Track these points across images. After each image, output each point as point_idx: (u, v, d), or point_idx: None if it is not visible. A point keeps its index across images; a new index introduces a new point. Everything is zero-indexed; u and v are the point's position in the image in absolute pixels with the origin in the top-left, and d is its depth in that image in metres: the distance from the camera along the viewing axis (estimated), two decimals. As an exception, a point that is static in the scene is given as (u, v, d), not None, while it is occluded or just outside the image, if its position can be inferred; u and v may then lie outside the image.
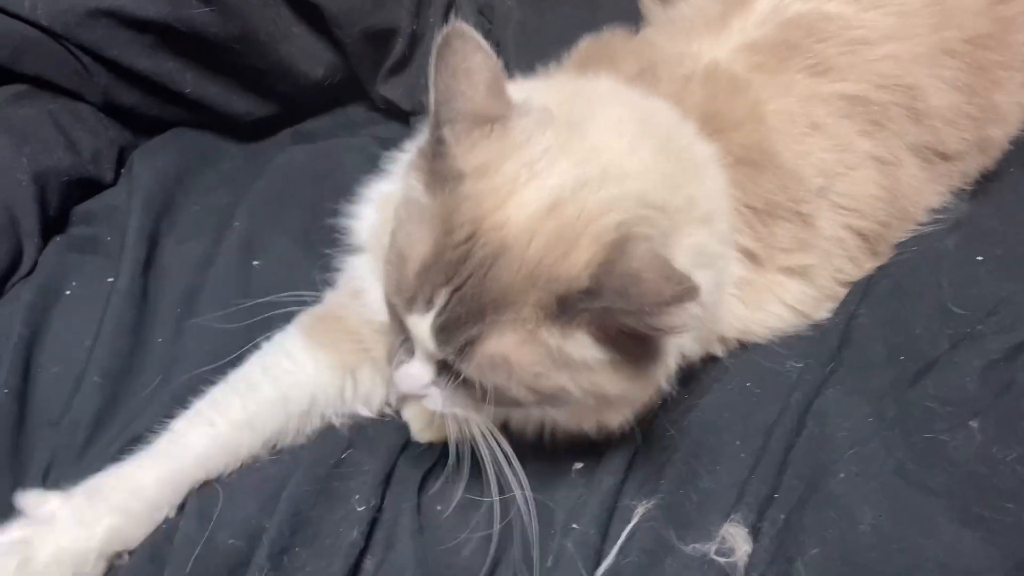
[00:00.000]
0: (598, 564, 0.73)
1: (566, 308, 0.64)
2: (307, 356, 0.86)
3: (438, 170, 0.68)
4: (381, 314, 0.79)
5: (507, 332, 0.64)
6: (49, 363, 0.91)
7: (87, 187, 1.16)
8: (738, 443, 0.81)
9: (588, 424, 0.78)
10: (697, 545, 0.74)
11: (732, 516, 0.73)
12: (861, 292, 0.92)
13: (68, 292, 0.99)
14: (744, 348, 0.90)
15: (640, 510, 0.77)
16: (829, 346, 0.86)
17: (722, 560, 0.71)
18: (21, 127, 1.10)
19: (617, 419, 0.77)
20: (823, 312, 0.91)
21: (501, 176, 0.66)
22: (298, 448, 0.84)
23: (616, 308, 0.63)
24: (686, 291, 0.61)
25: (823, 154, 0.89)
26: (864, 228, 0.92)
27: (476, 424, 0.73)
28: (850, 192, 0.90)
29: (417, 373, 0.70)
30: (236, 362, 0.87)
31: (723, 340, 0.88)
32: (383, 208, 0.84)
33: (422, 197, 0.69)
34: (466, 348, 0.65)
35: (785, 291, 0.88)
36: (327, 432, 0.86)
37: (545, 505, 0.79)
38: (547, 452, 0.83)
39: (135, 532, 0.76)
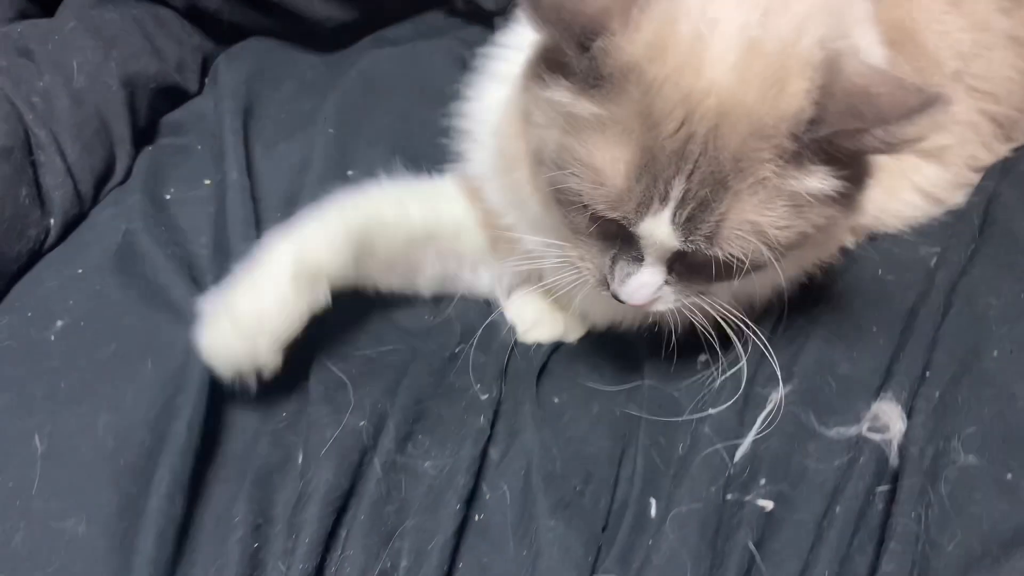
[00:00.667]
0: (735, 448, 0.71)
1: (799, 145, 0.59)
2: (459, 198, 0.83)
3: (595, 71, 0.61)
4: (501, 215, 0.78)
5: (751, 196, 0.60)
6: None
7: (174, 96, 1.13)
8: (875, 329, 0.78)
9: (791, 272, 0.73)
10: (841, 428, 0.71)
11: (883, 394, 0.70)
12: (998, 174, 0.87)
13: (168, 197, 0.96)
14: (872, 239, 0.87)
15: (775, 396, 0.74)
16: (970, 227, 0.82)
17: (876, 437, 0.68)
18: (107, 31, 1.07)
19: (817, 259, 0.75)
20: (958, 197, 0.87)
21: (680, 43, 0.60)
22: (413, 339, 0.82)
23: (849, 129, 0.58)
24: (931, 98, 0.55)
25: (960, 34, 0.84)
26: (998, 113, 0.88)
27: (709, 306, 0.69)
28: (985, 75, 0.85)
29: (651, 280, 0.65)
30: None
31: (854, 229, 0.83)
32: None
33: (580, 106, 0.62)
34: (715, 228, 0.61)
35: (920, 175, 0.84)
36: (442, 325, 0.84)
37: (671, 396, 0.77)
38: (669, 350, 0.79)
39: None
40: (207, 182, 0.98)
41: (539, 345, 0.84)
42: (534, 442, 0.73)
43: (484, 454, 0.73)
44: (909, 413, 0.69)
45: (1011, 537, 0.63)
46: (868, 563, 0.64)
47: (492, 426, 0.75)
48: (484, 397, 0.75)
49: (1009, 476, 0.66)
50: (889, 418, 0.69)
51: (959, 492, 0.65)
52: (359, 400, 0.73)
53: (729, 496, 0.68)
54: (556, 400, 0.79)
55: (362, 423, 0.71)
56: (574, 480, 0.72)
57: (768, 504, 0.67)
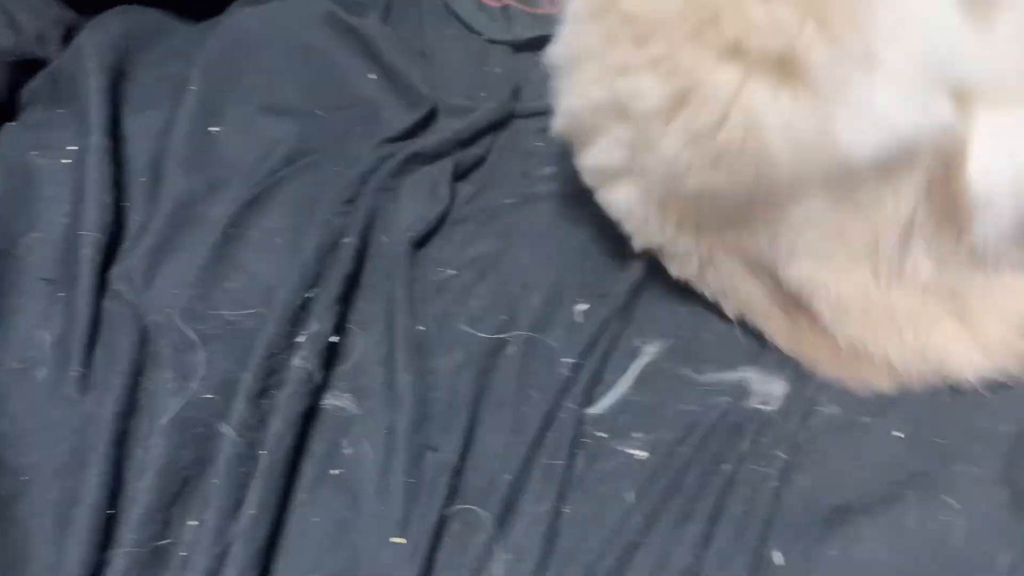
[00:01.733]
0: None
1: None
2: None
3: None
4: None
5: None
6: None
7: (35, 69, 1.09)
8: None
9: None
10: (719, 375, 0.74)
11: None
12: None
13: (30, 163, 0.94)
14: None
15: (651, 349, 0.77)
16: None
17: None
18: (-45, 5, 1.04)
19: None
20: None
21: None
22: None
23: None
24: None
25: None
26: None
27: None
28: None
29: None
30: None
31: None
32: None
33: None
34: None
35: None
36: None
37: (545, 343, 0.78)
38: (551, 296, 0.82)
39: None
40: (71, 148, 0.96)
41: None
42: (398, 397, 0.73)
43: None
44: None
45: (862, 477, 0.66)
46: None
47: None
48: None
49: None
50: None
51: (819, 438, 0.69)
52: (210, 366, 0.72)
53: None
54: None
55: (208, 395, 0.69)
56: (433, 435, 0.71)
57: (643, 454, 0.69)
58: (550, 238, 0.90)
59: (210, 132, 0.98)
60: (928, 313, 0.67)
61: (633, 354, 0.77)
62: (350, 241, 0.86)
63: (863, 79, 0.58)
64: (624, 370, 0.76)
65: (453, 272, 0.87)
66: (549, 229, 0.91)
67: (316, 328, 0.76)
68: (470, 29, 1.17)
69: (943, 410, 0.69)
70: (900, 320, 0.67)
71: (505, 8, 1.20)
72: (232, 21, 1.14)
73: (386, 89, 1.07)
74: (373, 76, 1.08)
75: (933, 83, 0.59)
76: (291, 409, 0.69)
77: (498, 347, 0.79)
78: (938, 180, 0.63)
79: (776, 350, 0.76)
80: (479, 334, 0.80)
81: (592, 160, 0.78)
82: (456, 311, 0.83)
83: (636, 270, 0.84)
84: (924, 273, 0.66)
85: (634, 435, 0.71)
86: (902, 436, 0.67)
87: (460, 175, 0.99)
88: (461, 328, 0.81)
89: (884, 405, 0.70)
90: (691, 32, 0.61)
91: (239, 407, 0.68)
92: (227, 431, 0.67)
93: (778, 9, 0.58)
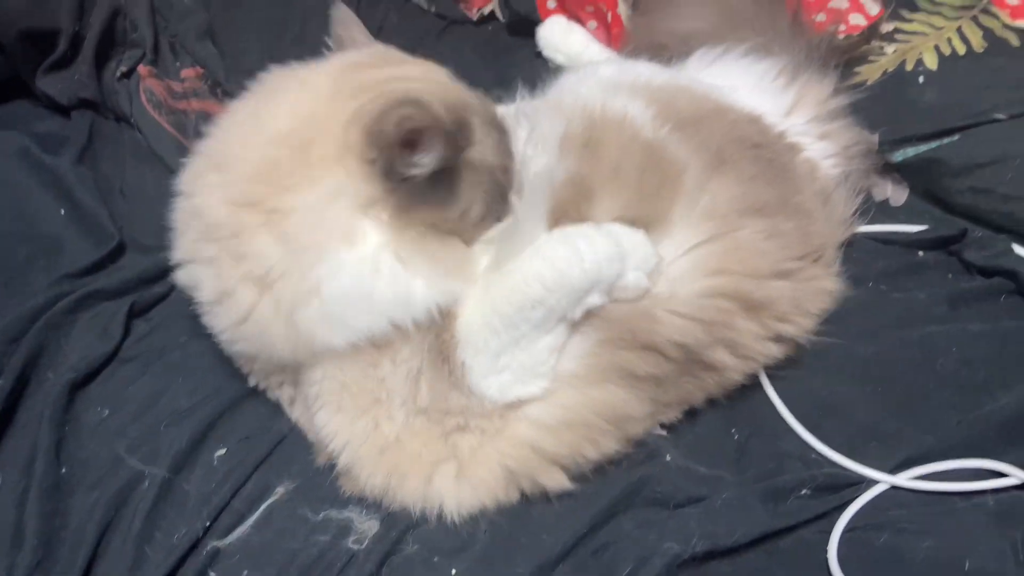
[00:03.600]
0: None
1: None
2: None
3: None
4: None
5: None
6: None
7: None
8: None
9: None
10: (330, 513, 0.83)
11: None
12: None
13: None
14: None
15: (280, 490, 0.86)
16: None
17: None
18: None
19: None
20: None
21: None
22: None
23: None
24: None
25: None
26: None
27: None
28: None
29: None
30: None
31: None
32: None
33: None
34: None
35: None
36: None
37: (181, 487, 0.86)
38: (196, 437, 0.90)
39: None
40: None
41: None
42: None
43: None
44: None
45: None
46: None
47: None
48: None
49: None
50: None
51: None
52: None
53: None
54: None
55: None
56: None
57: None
58: (213, 376, 0.97)
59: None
60: (431, 455, 0.80)
61: (263, 495, 0.87)
62: (2, 383, 0.90)
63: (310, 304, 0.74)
64: (251, 510, 0.85)
65: (108, 412, 0.94)
66: (214, 367, 0.97)
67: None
68: (171, 169, 1.25)
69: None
70: (404, 467, 0.80)
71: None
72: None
73: (74, 225, 1.12)
74: (63, 212, 1.13)
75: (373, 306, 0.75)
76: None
77: (135, 486, 0.86)
78: (440, 338, 0.78)
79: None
80: (119, 473, 0.87)
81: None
82: (103, 452, 0.89)
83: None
84: (425, 421, 0.79)
85: (244, 573, 0.80)
86: (454, 572, 0.81)
87: (139, 312, 1.06)
88: (104, 468, 0.87)
89: (458, 546, 0.82)
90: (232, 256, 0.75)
91: None
92: None
93: (261, 242, 0.73)
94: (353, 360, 0.77)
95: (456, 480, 0.80)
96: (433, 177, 0.73)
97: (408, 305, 0.75)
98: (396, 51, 0.84)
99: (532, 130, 0.87)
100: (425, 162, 0.71)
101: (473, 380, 0.78)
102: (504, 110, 0.91)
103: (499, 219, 0.81)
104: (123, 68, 1.28)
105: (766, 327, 0.87)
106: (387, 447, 0.79)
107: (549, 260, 0.76)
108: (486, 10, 1.51)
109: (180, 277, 0.81)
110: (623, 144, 0.85)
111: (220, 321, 0.79)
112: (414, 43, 1.46)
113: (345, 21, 0.86)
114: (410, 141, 0.70)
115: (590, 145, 0.85)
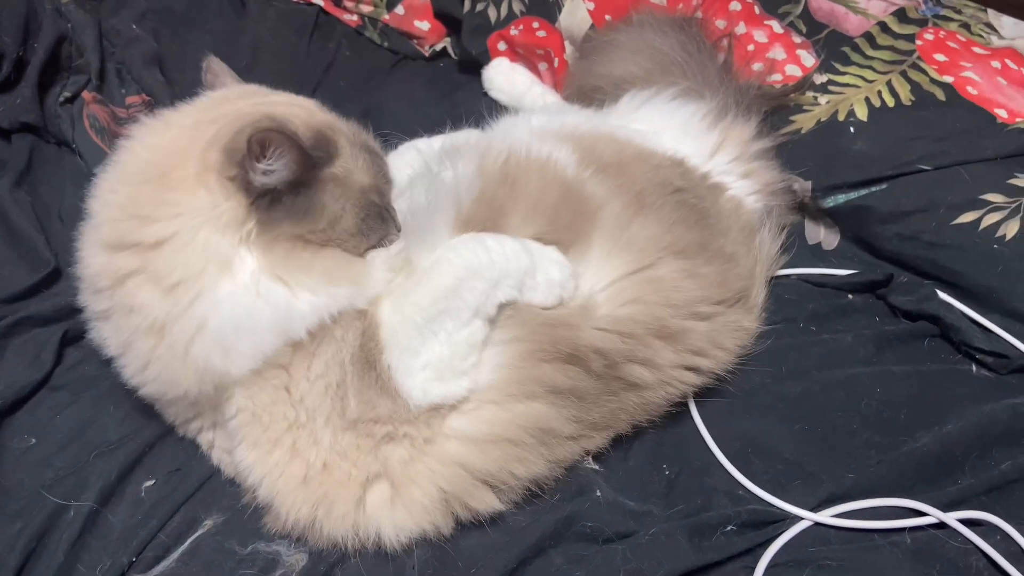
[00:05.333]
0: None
1: None
2: None
3: None
4: None
5: None
6: None
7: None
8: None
9: None
10: (258, 547, 0.83)
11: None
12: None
13: None
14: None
15: (208, 522, 0.86)
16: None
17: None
18: None
19: None
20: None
21: None
22: None
23: None
24: None
25: None
26: None
27: None
28: None
29: None
30: None
31: None
32: None
33: None
34: None
35: None
36: None
37: (107, 519, 0.85)
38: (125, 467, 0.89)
39: None
40: None
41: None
42: None
43: None
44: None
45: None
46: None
47: None
48: None
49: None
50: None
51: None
52: None
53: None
54: None
55: None
56: None
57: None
58: (144, 406, 0.93)
59: None
60: (361, 473, 0.79)
61: (191, 527, 0.86)
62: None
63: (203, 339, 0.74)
64: (177, 543, 0.84)
65: (35, 440, 0.92)
66: (143, 396, 0.98)
67: None
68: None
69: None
70: (332, 494, 0.79)
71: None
72: None
73: (9, 250, 1.11)
74: (-4, 241, 1.11)
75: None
76: None
77: (59, 517, 0.84)
78: (366, 347, 0.79)
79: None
80: (43, 503, 0.85)
81: None
82: (28, 481, 0.88)
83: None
84: (353, 436, 0.79)
85: (163, 608, 0.79)
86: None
87: (72, 340, 1.04)
88: (28, 498, 0.86)
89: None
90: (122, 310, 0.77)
91: None
92: None
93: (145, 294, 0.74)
94: (260, 386, 0.78)
95: (391, 504, 0.80)
96: (295, 192, 0.75)
97: (296, 319, 0.76)
98: (265, 88, 0.86)
99: (451, 154, 0.91)
100: (276, 168, 0.72)
101: (399, 379, 0.79)
102: (440, 139, 0.95)
103: (384, 239, 0.83)
104: (67, 93, 1.27)
105: (681, 356, 0.89)
106: (311, 476, 0.79)
107: (458, 251, 0.81)
108: (438, 47, 1.54)
109: (91, 336, 0.82)
110: (543, 181, 0.88)
111: (127, 371, 0.79)
112: (366, 77, 1.48)
113: (217, 72, 0.88)
114: (262, 150, 0.71)
115: (508, 180, 0.88)
